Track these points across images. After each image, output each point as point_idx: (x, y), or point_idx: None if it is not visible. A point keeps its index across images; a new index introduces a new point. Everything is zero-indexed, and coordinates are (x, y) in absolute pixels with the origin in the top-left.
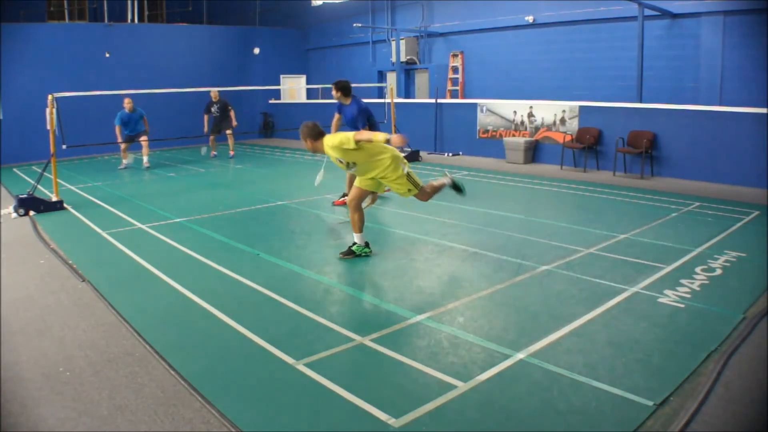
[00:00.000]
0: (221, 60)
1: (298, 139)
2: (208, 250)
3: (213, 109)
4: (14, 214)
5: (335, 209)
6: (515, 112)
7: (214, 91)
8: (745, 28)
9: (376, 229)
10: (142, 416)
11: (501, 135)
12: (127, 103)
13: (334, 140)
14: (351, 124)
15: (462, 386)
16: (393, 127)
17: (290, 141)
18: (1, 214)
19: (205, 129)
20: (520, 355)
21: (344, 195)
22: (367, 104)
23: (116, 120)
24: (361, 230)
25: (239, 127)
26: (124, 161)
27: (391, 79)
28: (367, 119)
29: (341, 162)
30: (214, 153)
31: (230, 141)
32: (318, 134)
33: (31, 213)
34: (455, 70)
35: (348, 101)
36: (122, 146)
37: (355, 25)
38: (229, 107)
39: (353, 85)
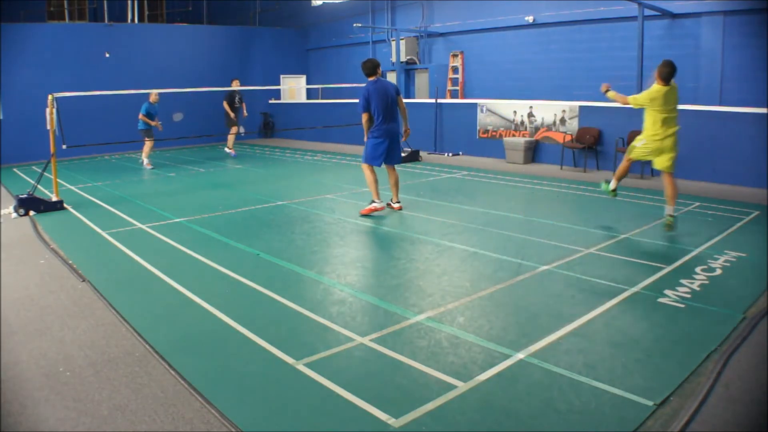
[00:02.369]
0: (221, 60)
1: (297, 139)
2: (208, 250)
3: (236, 100)
4: (14, 214)
5: (335, 209)
6: (515, 112)
7: (236, 83)
8: (745, 28)
9: (377, 229)
10: (142, 416)
11: (501, 135)
12: (153, 96)
13: None
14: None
15: (462, 386)
16: None
17: (290, 141)
18: (1, 214)
19: (233, 116)
20: (520, 355)
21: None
22: (366, 89)
23: (143, 109)
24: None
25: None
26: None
27: (391, 79)
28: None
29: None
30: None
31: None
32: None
33: (31, 213)
34: (455, 70)
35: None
36: (148, 143)
37: (355, 25)
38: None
39: (354, 84)
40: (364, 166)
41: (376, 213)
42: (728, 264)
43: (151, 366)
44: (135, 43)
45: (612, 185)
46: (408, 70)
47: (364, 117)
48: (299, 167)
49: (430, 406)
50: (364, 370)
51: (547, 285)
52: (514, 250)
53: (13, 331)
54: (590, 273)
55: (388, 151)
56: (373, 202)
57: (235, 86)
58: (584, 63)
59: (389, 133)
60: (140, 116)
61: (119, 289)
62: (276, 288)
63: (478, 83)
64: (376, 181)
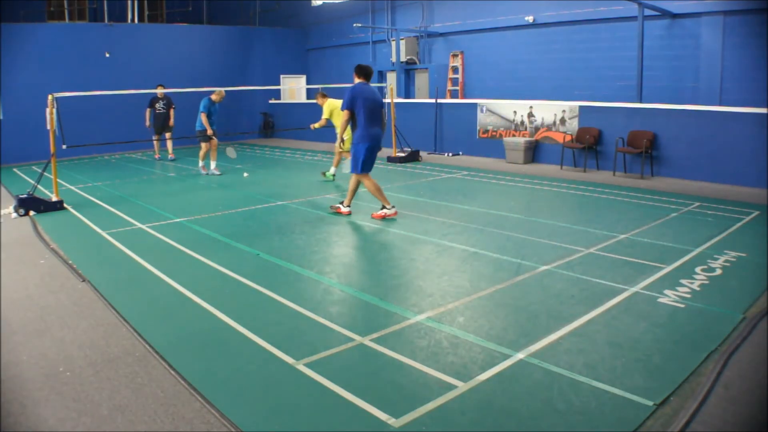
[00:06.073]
0: (221, 60)
1: (297, 139)
2: (208, 250)
3: (158, 106)
4: (14, 214)
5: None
6: (515, 112)
7: (160, 88)
8: (745, 28)
9: (377, 229)
10: (142, 416)
11: (501, 135)
12: (216, 94)
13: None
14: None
15: (462, 386)
16: (393, 127)
17: (290, 141)
18: (1, 214)
19: (147, 123)
20: (520, 355)
21: (383, 207)
22: (353, 88)
23: (202, 107)
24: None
25: (240, 127)
26: (202, 162)
27: (391, 79)
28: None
29: None
30: (159, 156)
31: (169, 144)
32: None
33: (31, 213)
34: (455, 70)
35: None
36: (204, 146)
37: (355, 25)
38: (172, 105)
39: (351, 85)
40: (361, 177)
41: (388, 217)
42: (728, 264)
43: (151, 366)
44: (135, 43)
45: (333, 171)
46: (408, 70)
47: (345, 115)
48: (299, 167)
49: (430, 406)
50: (364, 370)
51: (547, 285)
52: (514, 250)
53: (13, 331)
54: (590, 273)
55: (373, 156)
56: (384, 208)
57: (159, 91)
58: (584, 63)
59: (375, 138)
60: (201, 114)
61: (119, 289)
62: (276, 288)
63: (478, 83)
64: (379, 188)
